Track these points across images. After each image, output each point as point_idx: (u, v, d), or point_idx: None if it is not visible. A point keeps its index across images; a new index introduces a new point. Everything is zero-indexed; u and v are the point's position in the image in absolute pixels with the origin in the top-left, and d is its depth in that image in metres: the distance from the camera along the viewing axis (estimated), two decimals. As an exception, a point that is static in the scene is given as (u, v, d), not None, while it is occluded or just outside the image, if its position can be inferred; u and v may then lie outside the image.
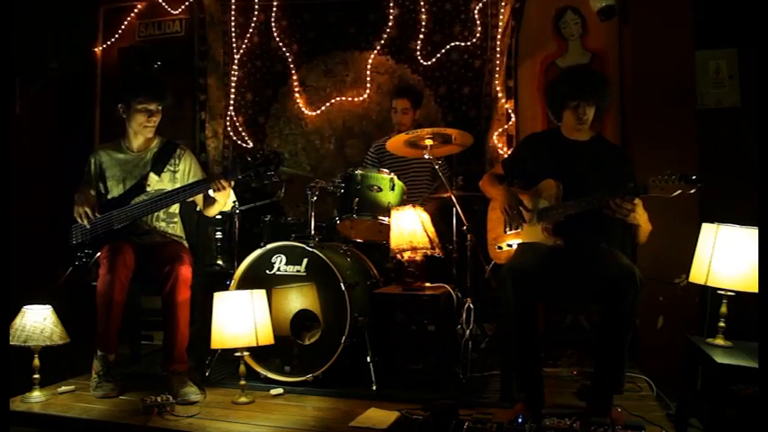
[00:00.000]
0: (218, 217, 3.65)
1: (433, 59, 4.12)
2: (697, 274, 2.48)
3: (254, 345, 2.68)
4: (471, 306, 2.95)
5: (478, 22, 4.04)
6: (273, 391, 2.78)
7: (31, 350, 2.66)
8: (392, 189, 3.21)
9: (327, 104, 4.32)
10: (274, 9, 4.35)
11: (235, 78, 4.42)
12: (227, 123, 4.44)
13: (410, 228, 2.94)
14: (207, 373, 2.98)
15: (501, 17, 3.99)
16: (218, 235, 3.87)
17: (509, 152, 3.86)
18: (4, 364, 2.32)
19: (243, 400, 2.65)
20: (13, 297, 2.44)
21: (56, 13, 4.35)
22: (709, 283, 2.43)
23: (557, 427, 2.10)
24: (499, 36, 3.98)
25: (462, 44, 4.09)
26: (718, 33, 3.53)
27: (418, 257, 2.94)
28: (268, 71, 4.43)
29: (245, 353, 2.71)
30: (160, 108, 3.01)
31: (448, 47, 4.10)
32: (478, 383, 2.88)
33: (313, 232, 3.07)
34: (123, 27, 4.57)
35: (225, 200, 3.00)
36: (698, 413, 2.56)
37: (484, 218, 2.99)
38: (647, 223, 2.48)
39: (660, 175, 2.23)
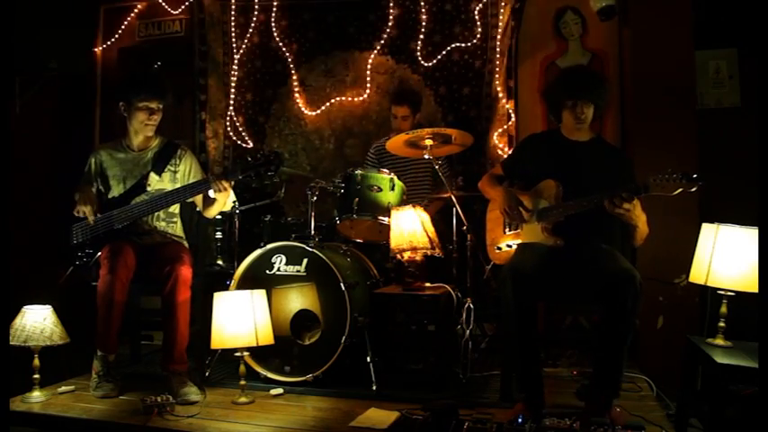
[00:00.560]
0: (218, 217, 3.65)
1: (434, 60, 4.12)
2: (697, 274, 2.48)
3: (254, 345, 2.68)
4: (471, 306, 2.95)
5: (478, 22, 4.04)
6: (273, 391, 2.78)
7: (31, 350, 2.66)
8: (392, 189, 3.21)
9: (327, 104, 4.32)
10: (274, 9, 4.35)
11: (235, 78, 4.42)
12: (228, 123, 4.44)
13: (410, 228, 2.94)
14: (207, 373, 2.98)
15: (501, 17, 3.99)
16: (218, 235, 3.87)
17: (509, 152, 3.86)
18: (4, 364, 2.32)
19: (243, 400, 2.65)
20: (13, 297, 2.44)
21: (56, 13, 4.36)
22: (709, 283, 2.43)
23: (557, 427, 2.10)
24: (499, 36, 3.98)
25: (462, 44, 4.08)
26: (718, 33, 3.53)
27: (418, 257, 2.94)
28: (268, 71, 4.43)
29: (245, 353, 2.71)
30: (161, 106, 3.02)
31: (448, 47, 4.10)
32: (478, 383, 2.88)
33: (313, 232, 3.07)
34: (123, 27, 4.57)
35: (225, 200, 3.00)
36: (698, 413, 2.56)
37: (483, 218, 2.99)
38: (645, 225, 2.48)
39: (661, 173, 2.23)
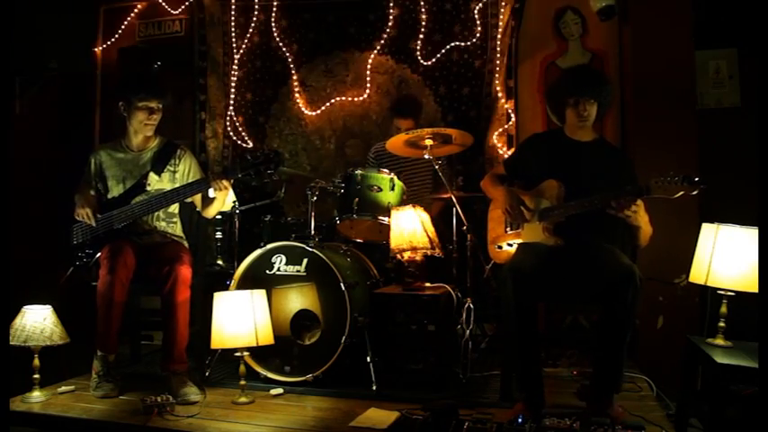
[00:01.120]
0: (218, 217, 3.65)
1: (433, 59, 4.11)
2: (697, 274, 2.48)
3: (254, 345, 2.68)
4: (471, 306, 2.95)
5: (478, 22, 4.04)
6: (273, 391, 2.78)
7: (31, 350, 2.66)
8: (392, 189, 3.21)
9: (327, 104, 4.32)
10: (274, 9, 4.35)
11: (235, 78, 4.42)
12: (227, 123, 4.44)
13: (410, 228, 2.94)
14: (207, 373, 2.98)
15: (501, 17, 3.99)
16: (218, 235, 3.87)
17: (509, 152, 3.86)
18: (4, 364, 2.32)
19: (243, 400, 2.65)
20: (13, 297, 2.44)
21: (56, 13, 4.36)
22: (709, 283, 2.43)
23: (557, 427, 2.10)
24: (499, 36, 3.98)
25: (462, 44, 4.08)
26: (718, 33, 3.53)
27: (418, 257, 2.94)
28: (268, 71, 4.43)
29: (245, 353, 2.71)
30: (161, 106, 3.02)
31: (448, 47, 4.10)
32: (478, 383, 2.88)
33: (313, 232, 3.07)
34: (123, 27, 4.57)
35: (224, 200, 3.00)
36: (698, 413, 2.56)
37: (484, 218, 2.98)
38: (648, 225, 2.48)
39: (663, 176, 2.23)
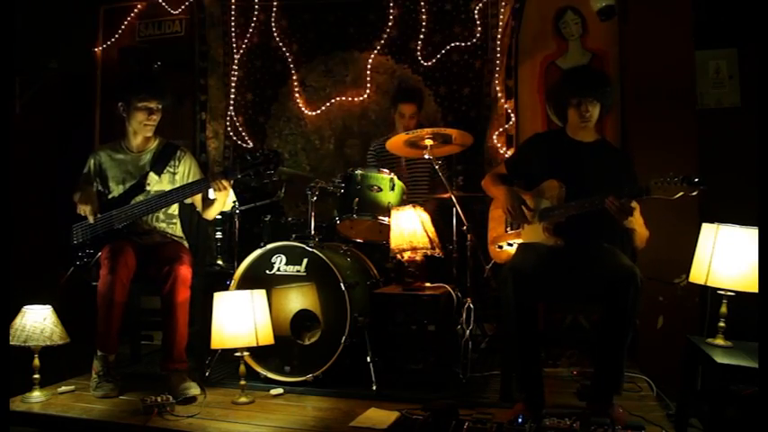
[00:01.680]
0: (218, 217, 3.65)
1: (434, 60, 4.11)
2: (697, 274, 2.48)
3: (254, 345, 2.68)
4: (471, 306, 2.95)
5: (478, 22, 4.04)
6: (273, 391, 2.78)
7: (31, 350, 2.66)
8: (392, 189, 3.21)
9: (327, 104, 4.32)
10: (274, 9, 4.35)
11: (235, 78, 4.42)
12: (228, 124, 4.44)
13: (410, 228, 2.94)
14: (207, 373, 2.98)
15: (501, 17, 3.99)
16: (218, 235, 3.87)
17: (509, 152, 3.86)
18: (4, 364, 2.32)
19: (243, 400, 2.65)
20: (13, 297, 2.44)
21: (56, 13, 4.35)
22: (709, 283, 2.43)
23: (557, 427, 2.10)
24: (499, 36, 3.98)
25: (462, 44, 4.08)
26: (718, 33, 3.53)
27: (418, 257, 2.94)
28: (268, 71, 4.43)
29: (245, 353, 2.71)
30: (160, 107, 3.01)
31: (448, 47, 4.10)
32: (478, 383, 2.88)
33: (313, 232, 3.07)
34: (123, 27, 4.57)
35: (224, 200, 3.00)
36: (698, 413, 2.56)
37: (483, 218, 2.99)
38: (643, 228, 2.49)
39: (662, 176, 2.23)
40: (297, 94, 4.36)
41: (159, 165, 3.04)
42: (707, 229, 2.48)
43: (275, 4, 4.34)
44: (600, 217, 2.43)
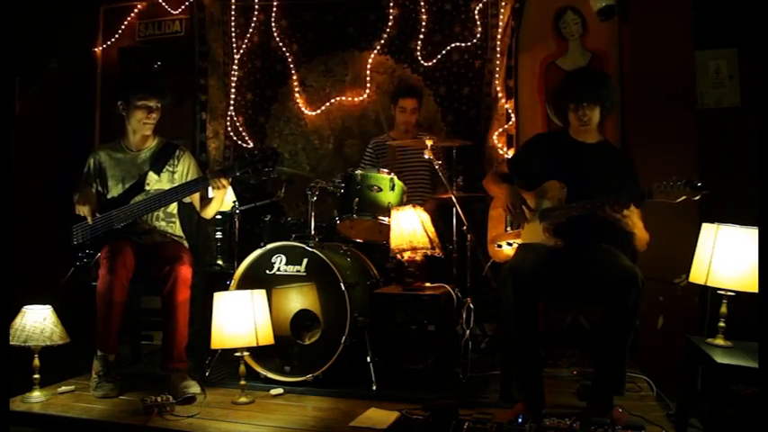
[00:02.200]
0: (218, 217, 3.65)
1: (434, 60, 4.11)
2: (697, 274, 2.48)
3: (254, 345, 2.68)
4: (471, 306, 2.95)
5: (478, 22, 4.04)
6: (273, 391, 2.78)
7: (31, 350, 2.66)
8: (392, 189, 3.21)
9: (327, 104, 4.32)
10: (274, 9, 4.35)
11: (235, 78, 4.41)
12: (228, 123, 4.44)
13: (410, 228, 2.94)
14: (207, 373, 2.97)
15: (501, 17, 3.99)
16: (218, 235, 3.87)
17: (509, 152, 3.86)
18: (4, 364, 2.32)
19: (243, 400, 2.65)
20: (13, 297, 2.44)
21: (56, 13, 4.35)
22: (709, 283, 2.43)
23: (557, 427, 2.10)
24: (499, 36, 3.98)
25: (462, 44, 4.08)
26: (718, 33, 3.53)
27: (418, 257, 2.94)
28: (268, 71, 4.43)
29: (245, 353, 2.71)
30: (159, 106, 3.02)
31: (448, 47, 4.10)
32: (478, 383, 2.88)
33: (313, 232, 3.07)
34: (123, 27, 4.57)
35: (222, 199, 3.00)
36: (698, 413, 2.56)
37: (483, 218, 2.99)
38: (643, 231, 2.48)
39: (665, 180, 2.23)
40: (297, 94, 4.36)
41: (158, 164, 3.04)
42: (707, 229, 2.48)
43: (275, 4, 4.34)
44: (600, 218, 2.43)
